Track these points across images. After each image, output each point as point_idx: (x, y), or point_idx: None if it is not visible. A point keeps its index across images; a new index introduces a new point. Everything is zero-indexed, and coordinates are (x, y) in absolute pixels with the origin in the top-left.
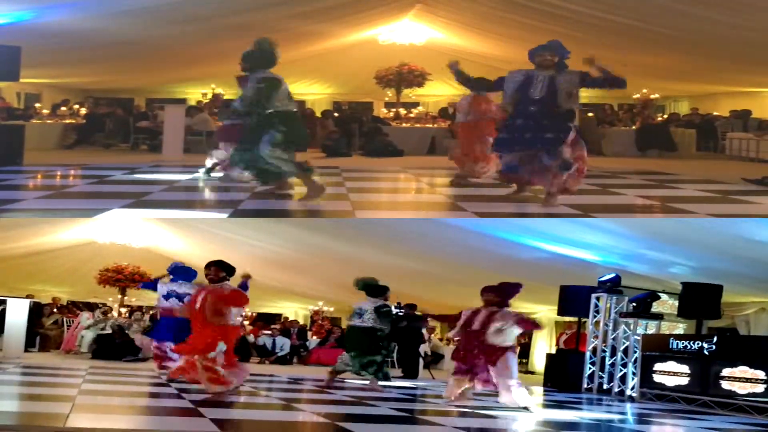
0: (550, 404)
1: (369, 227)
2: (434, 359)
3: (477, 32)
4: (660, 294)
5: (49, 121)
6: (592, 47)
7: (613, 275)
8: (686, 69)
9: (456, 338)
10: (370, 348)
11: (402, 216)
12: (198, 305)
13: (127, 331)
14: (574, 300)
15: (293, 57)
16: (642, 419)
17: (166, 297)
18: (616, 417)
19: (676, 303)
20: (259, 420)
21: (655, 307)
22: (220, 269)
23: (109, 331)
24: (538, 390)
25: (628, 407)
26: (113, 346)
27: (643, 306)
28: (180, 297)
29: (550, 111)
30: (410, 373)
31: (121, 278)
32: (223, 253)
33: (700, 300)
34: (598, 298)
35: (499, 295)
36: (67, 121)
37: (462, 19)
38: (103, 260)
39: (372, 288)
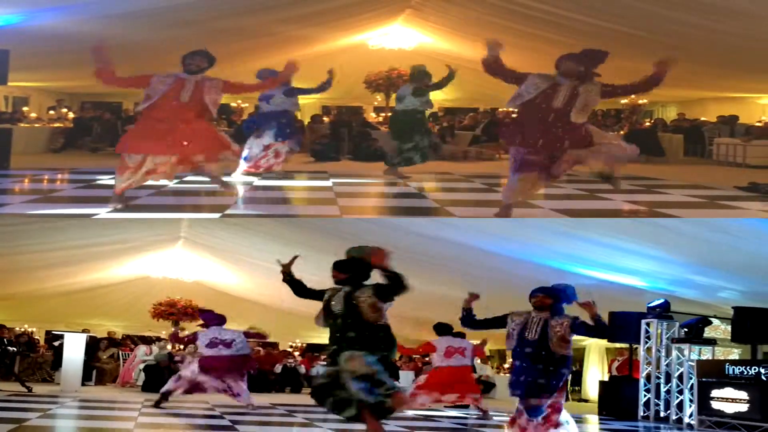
0: None
1: (410, 254)
2: (486, 388)
3: (467, 37)
4: (711, 319)
5: (36, 125)
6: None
7: (661, 301)
8: (674, 74)
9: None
10: None
11: (389, 219)
12: None
13: (179, 363)
14: (623, 326)
15: (283, 61)
16: None
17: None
18: None
19: (728, 328)
20: None
21: (708, 333)
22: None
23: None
24: (593, 419)
25: None
26: (162, 377)
27: (695, 331)
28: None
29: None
30: None
31: (174, 311)
32: (274, 286)
33: (753, 324)
34: (648, 324)
35: None
36: (55, 125)
37: (452, 24)
38: (156, 294)
39: None
